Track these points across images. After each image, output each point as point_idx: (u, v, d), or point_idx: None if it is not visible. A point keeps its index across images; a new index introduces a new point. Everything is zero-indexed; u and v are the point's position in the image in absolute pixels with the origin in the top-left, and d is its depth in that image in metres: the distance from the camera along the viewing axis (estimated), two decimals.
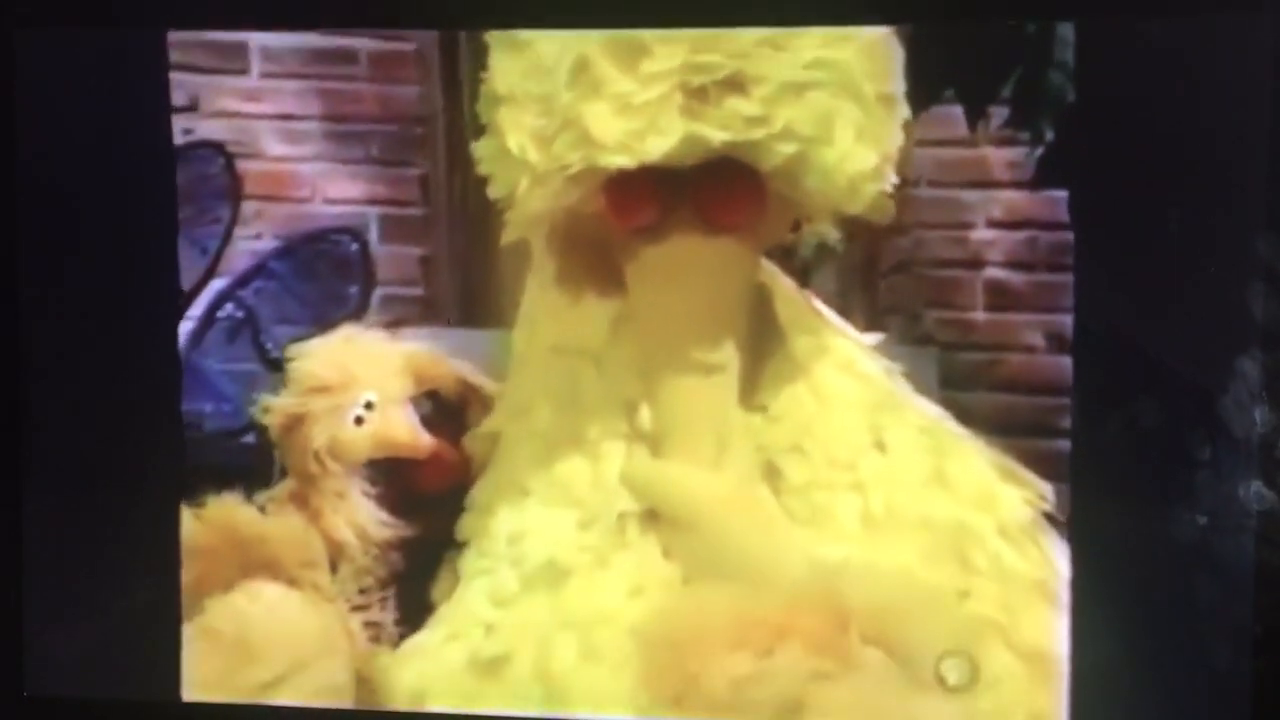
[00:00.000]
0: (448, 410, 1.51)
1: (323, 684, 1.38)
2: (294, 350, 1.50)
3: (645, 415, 1.45)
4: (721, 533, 1.43)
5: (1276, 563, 1.39)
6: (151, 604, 1.50)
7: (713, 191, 1.40)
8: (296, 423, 1.49)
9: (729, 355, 1.44)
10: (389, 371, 1.50)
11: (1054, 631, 1.41)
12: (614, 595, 1.42)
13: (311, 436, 1.49)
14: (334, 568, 1.47)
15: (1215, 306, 1.39)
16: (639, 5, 1.38)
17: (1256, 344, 1.38)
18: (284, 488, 1.50)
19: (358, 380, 1.49)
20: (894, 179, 1.41)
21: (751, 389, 1.46)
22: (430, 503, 1.51)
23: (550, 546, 1.44)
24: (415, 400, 1.50)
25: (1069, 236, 1.45)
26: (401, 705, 1.42)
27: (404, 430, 1.50)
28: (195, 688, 1.46)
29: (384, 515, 1.49)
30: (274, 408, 1.50)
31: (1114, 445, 1.41)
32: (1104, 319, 1.41)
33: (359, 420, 1.49)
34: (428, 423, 1.51)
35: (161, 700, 1.49)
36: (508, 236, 1.45)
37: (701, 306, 1.44)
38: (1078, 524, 1.42)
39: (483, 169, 1.44)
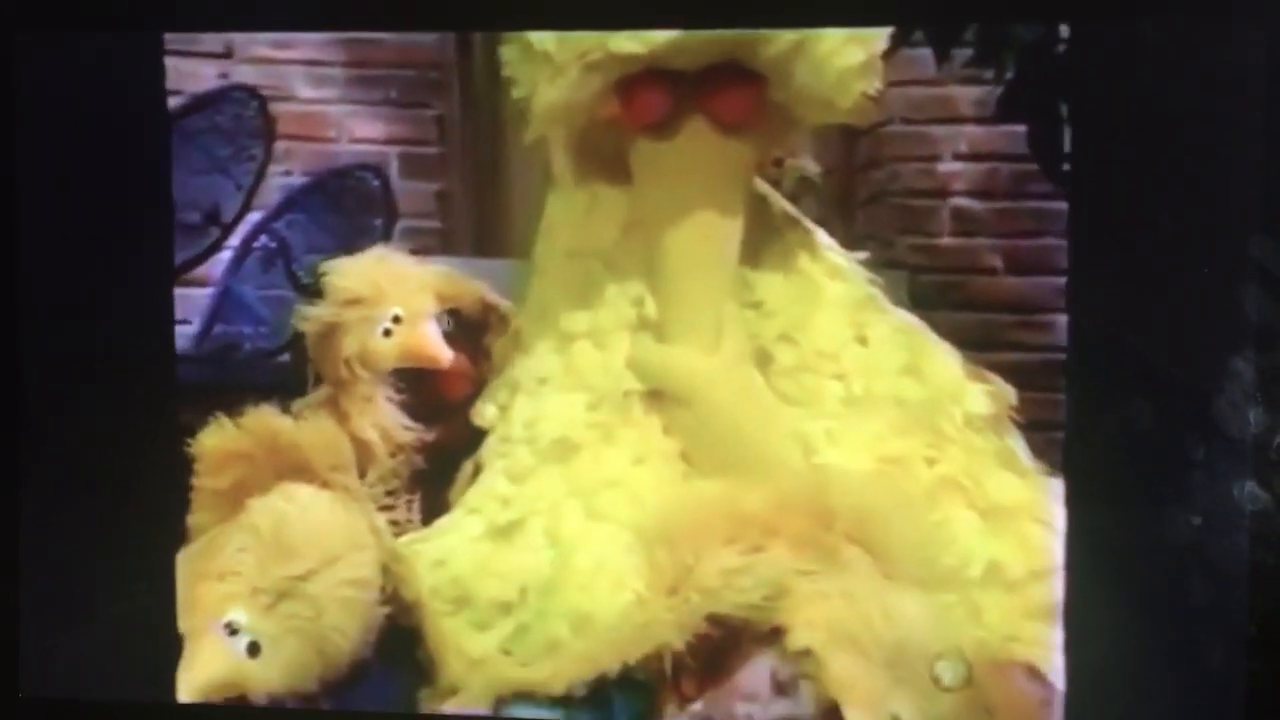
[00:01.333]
0: (468, 327, 1.53)
1: (351, 576, 1.36)
2: (330, 266, 1.52)
3: (650, 306, 1.48)
4: (716, 408, 1.45)
5: (1271, 563, 1.34)
6: (148, 606, 1.47)
7: (716, 91, 1.42)
8: (331, 332, 1.51)
9: (727, 248, 1.47)
10: (416, 289, 1.51)
11: (1012, 491, 1.45)
12: (619, 465, 1.45)
13: (343, 345, 1.51)
14: (361, 472, 1.49)
15: (1210, 307, 1.35)
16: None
17: (1251, 345, 1.34)
18: (318, 395, 1.52)
19: (387, 296, 1.51)
20: (878, 85, 1.43)
21: (747, 285, 1.49)
22: (448, 410, 1.53)
23: (562, 426, 1.47)
24: (439, 316, 1.52)
25: (1029, 168, 1.49)
26: (423, 573, 1.42)
27: (427, 343, 1.52)
28: (232, 579, 1.42)
29: (406, 420, 1.51)
30: (311, 317, 1.51)
31: (1109, 445, 1.37)
32: (1098, 320, 1.37)
33: (387, 332, 1.51)
34: (449, 337, 1.52)
35: (157, 702, 1.45)
36: (530, 134, 1.46)
37: (704, 203, 1.46)
38: (1073, 523, 1.37)
39: (508, 71, 1.45)
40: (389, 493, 1.50)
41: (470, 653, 1.38)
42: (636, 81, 1.41)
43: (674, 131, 1.44)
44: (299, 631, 1.35)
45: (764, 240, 1.51)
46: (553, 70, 1.41)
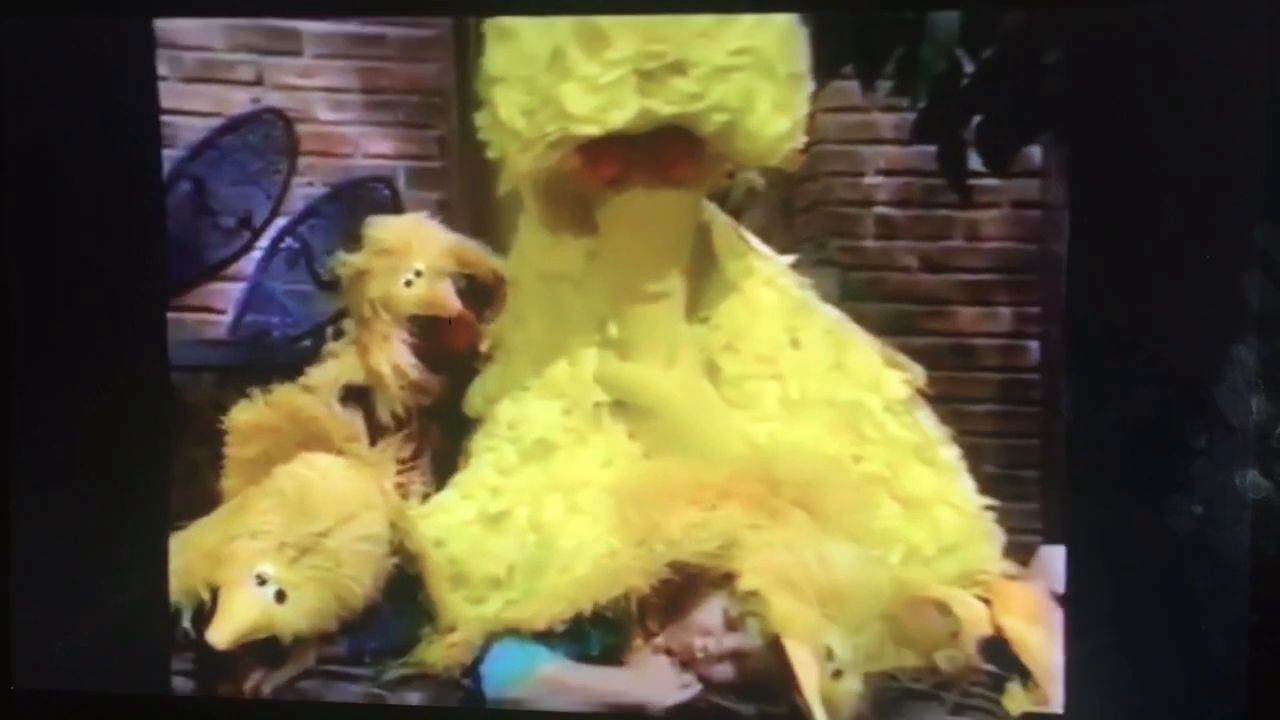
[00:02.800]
0: (479, 290, 1.54)
1: (364, 532, 1.38)
2: (371, 221, 1.54)
3: (613, 328, 1.49)
4: (674, 416, 1.47)
5: (1273, 551, 1.26)
6: (141, 598, 1.44)
7: (663, 152, 1.42)
8: (362, 276, 1.52)
9: (677, 279, 1.47)
10: (439, 250, 1.52)
11: (926, 482, 1.46)
12: (591, 465, 1.46)
13: (371, 288, 1.52)
14: (371, 437, 1.51)
15: (1212, 295, 1.27)
16: None
17: (1253, 332, 1.26)
18: (346, 339, 1.55)
19: (414, 251, 1.52)
20: (803, 139, 1.43)
21: (695, 304, 1.49)
22: (449, 361, 1.55)
23: (541, 428, 1.48)
24: (455, 277, 1.53)
25: (938, 182, 1.50)
26: (426, 550, 1.42)
27: (441, 295, 1.53)
28: (262, 537, 1.41)
29: (415, 360, 1.52)
30: (349, 262, 1.53)
31: (1109, 434, 1.30)
32: (1099, 307, 1.30)
33: (409, 283, 1.52)
34: (461, 295, 1.54)
35: (150, 694, 1.44)
36: (502, 189, 1.46)
37: (656, 242, 1.47)
38: (1073, 513, 1.33)
39: (481, 136, 1.44)
40: (398, 429, 1.52)
41: (466, 617, 1.40)
42: (595, 147, 1.41)
43: (629, 185, 1.45)
44: (320, 580, 1.36)
45: (708, 263, 1.51)
46: (521, 144, 1.41)
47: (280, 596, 1.35)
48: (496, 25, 1.42)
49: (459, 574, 1.42)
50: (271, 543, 1.38)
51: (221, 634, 1.33)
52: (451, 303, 1.53)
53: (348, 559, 1.37)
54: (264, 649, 1.37)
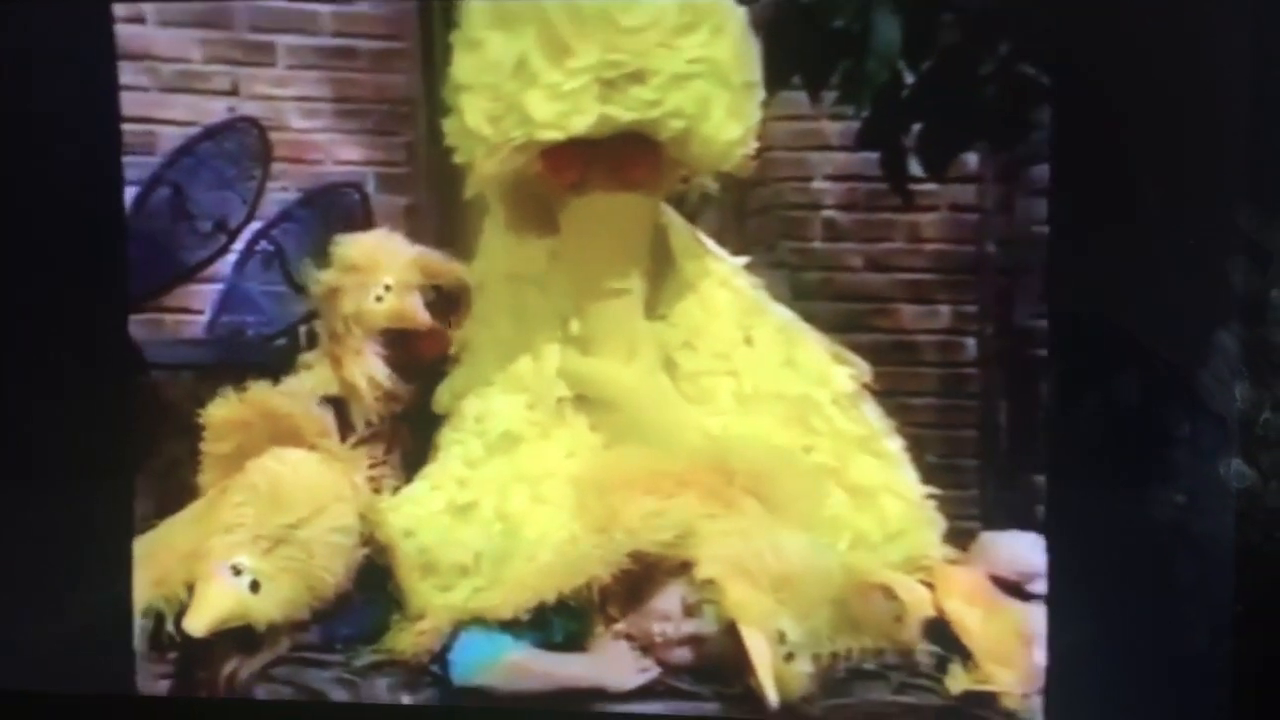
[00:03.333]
0: (446, 299, 1.52)
1: (335, 524, 1.36)
2: (339, 239, 1.51)
3: (575, 325, 1.47)
4: (634, 410, 1.46)
5: (1257, 541, 1.20)
6: (105, 599, 1.39)
7: (622, 157, 1.41)
8: (334, 292, 1.50)
9: (636, 279, 1.46)
10: (406, 264, 1.51)
11: (872, 473, 1.44)
12: (554, 457, 1.44)
13: (342, 305, 1.50)
14: (348, 421, 1.49)
15: (1195, 281, 1.21)
16: None
17: (1237, 318, 1.20)
18: (320, 349, 1.53)
19: (381, 267, 1.50)
20: (755, 145, 1.43)
21: (654, 302, 1.48)
22: (421, 370, 1.53)
23: (507, 422, 1.46)
24: (423, 289, 1.51)
25: (881, 187, 1.52)
26: (396, 541, 1.40)
27: (411, 309, 1.51)
28: (236, 529, 1.37)
29: (387, 371, 1.50)
30: (320, 279, 1.51)
31: (1090, 423, 1.23)
32: (1079, 294, 1.23)
33: (379, 298, 1.50)
34: (430, 306, 1.52)
35: (115, 694, 1.40)
36: (469, 192, 1.46)
37: (616, 243, 1.46)
38: (1053, 504, 1.28)
39: (449, 142, 1.43)
40: (373, 438, 1.50)
41: (434, 605, 1.38)
42: (558, 152, 1.40)
43: (590, 188, 1.44)
44: (293, 570, 1.34)
45: (666, 263, 1.50)
46: (487, 148, 1.40)
47: (255, 586, 1.33)
48: (464, 35, 1.40)
49: (428, 562, 1.39)
50: (246, 535, 1.35)
51: (198, 623, 1.32)
52: (421, 315, 1.51)
53: (319, 550, 1.35)
54: (239, 637, 1.34)
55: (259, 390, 1.45)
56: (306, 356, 1.52)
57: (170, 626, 1.35)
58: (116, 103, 1.42)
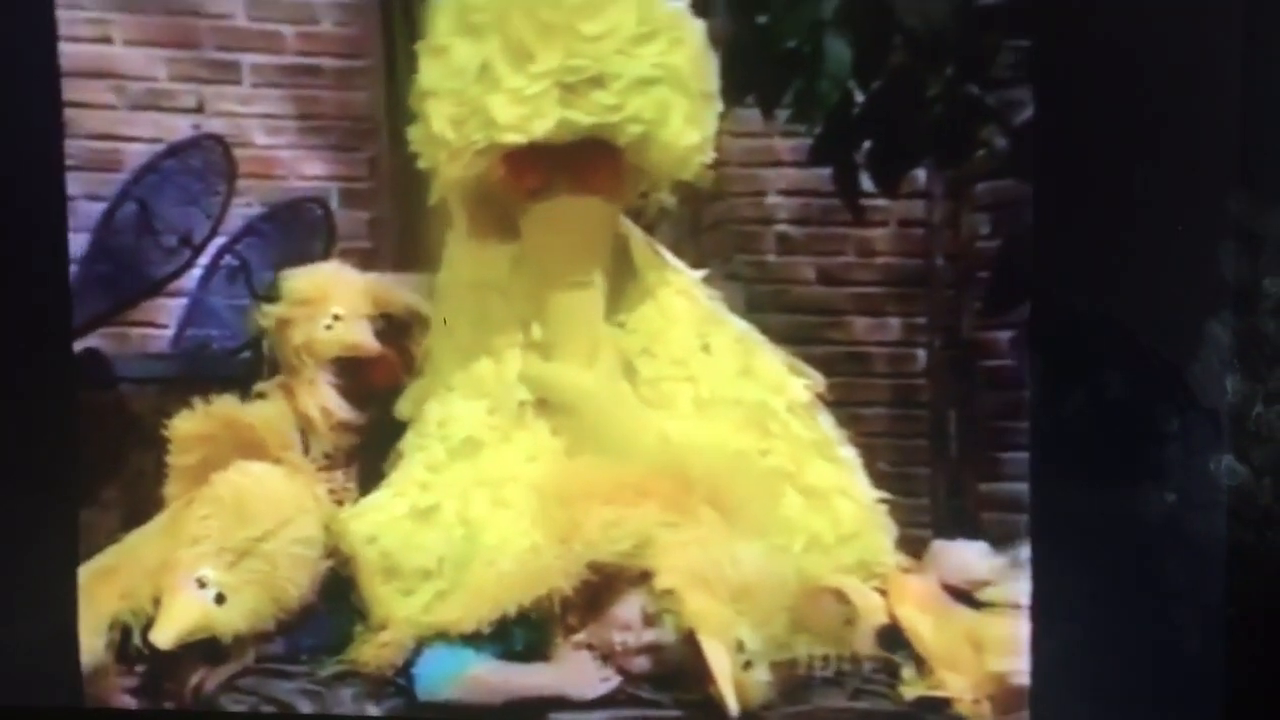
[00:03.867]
0: (396, 327, 1.53)
1: (299, 536, 1.38)
2: (286, 273, 1.52)
3: (536, 331, 1.48)
4: (594, 414, 1.47)
5: (1250, 541, 1.16)
6: (50, 613, 1.39)
7: (583, 162, 1.43)
8: (284, 325, 1.51)
9: (597, 285, 1.47)
10: (354, 294, 1.52)
11: (826, 476, 1.46)
12: (515, 461, 1.45)
13: (293, 336, 1.51)
14: (305, 449, 1.49)
15: (1183, 268, 1.17)
16: None
17: (1228, 307, 1.15)
18: (275, 380, 1.53)
19: (330, 298, 1.51)
20: (713, 154, 1.45)
21: (614, 309, 1.49)
22: (375, 396, 1.54)
23: (468, 427, 1.47)
24: (372, 318, 1.52)
25: (834, 202, 1.52)
26: (358, 550, 1.41)
27: (361, 338, 1.52)
28: (202, 542, 1.39)
29: (341, 401, 1.51)
30: (270, 313, 1.51)
31: (1076, 419, 1.20)
32: (1064, 284, 1.19)
33: (329, 327, 1.51)
34: (380, 335, 1.53)
35: (62, 706, 1.39)
36: (433, 198, 1.46)
37: (577, 249, 1.48)
38: (1039, 503, 1.23)
39: (414, 148, 1.44)
40: (330, 466, 1.51)
41: (397, 613, 1.39)
42: (520, 157, 1.42)
43: (552, 194, 1.45)
44: (258, 583, 1.35)
45: (626, 271, 1.51)
46: (450, 153, 1.42)
47: (220, 599, 1.34)
48: (430, 43, 1.42)
49: (390, 566, 1.41)
50: (211, 547, 1.37)
51: (165, 635, 1.33)
52: (370, 343, 1.52)
53: (284, 562, 1.36)
54: (205, 649, 1.35)
55: (223, 404, 1.46)
56: (262, 387, 1.52)
57: (137, 639, 1.35)
58: (60, 119, 1.42)
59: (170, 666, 1.36)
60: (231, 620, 1.36)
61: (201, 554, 1.36)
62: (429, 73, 1.43)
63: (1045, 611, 1.24)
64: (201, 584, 1.35)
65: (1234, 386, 1.16)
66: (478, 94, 1.40)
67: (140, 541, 1.43)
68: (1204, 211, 1.15)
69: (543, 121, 1.39)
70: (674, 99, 1.41)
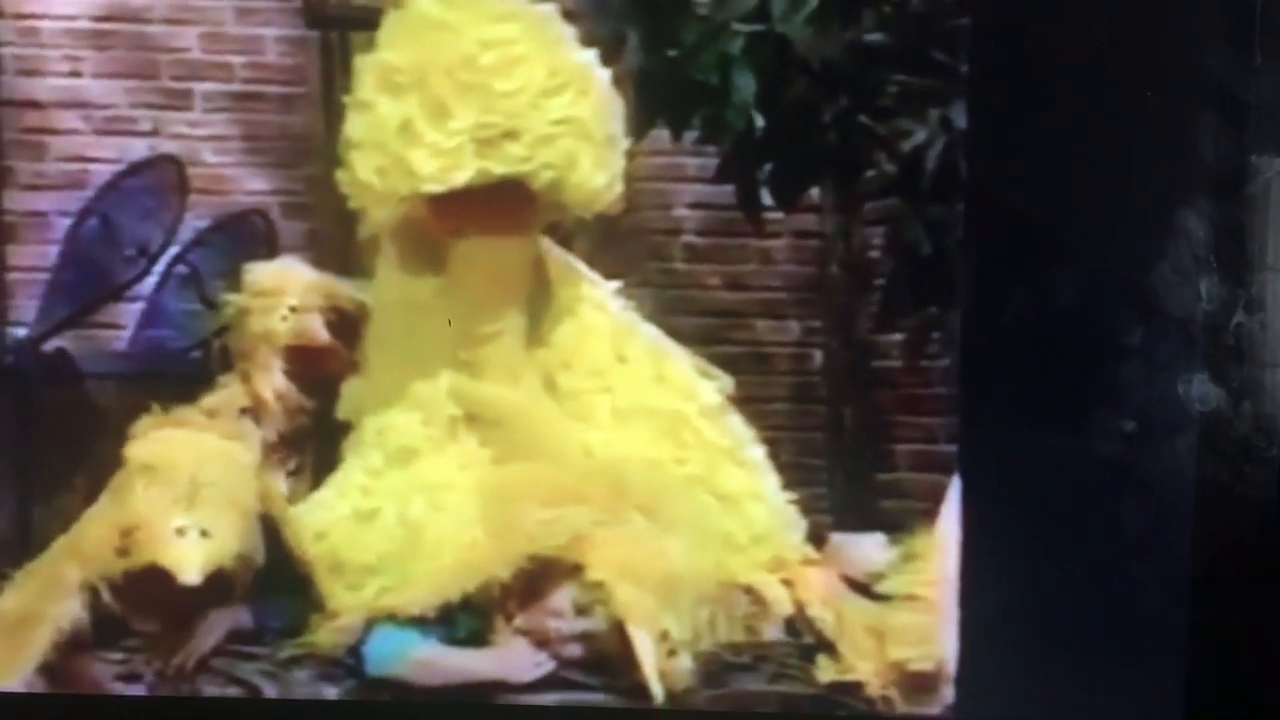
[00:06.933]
0: (345, 320, 1.56)
1: (230, 464, 1.45)
2: (250, 267, 1.56)
3: (464, 351, 1.51)
4: (520, 428, 1.49)
5: (1223, 479, 0.88)
6: None
7: (500, 205, 1.46)
8: (244, 314, 1.54)
9: (515, 316, 1.51)
10: (307, 288, 1.54)
11: (737, 481, 1.50)
12: (449, 469, 1.48)
13: (252, 325, 1.54)
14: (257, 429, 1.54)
15: (1151, 144, 0.90)
16: None
17: (1204, 193, 0.88)
18: (235, 369, 1.56)
19: (286, 291, 1.54)
20: (620, 189, 1.49)
21: (534, 333, 1.53)
22: (324, 383, 1.57)
23: (403, 437, 1.49)
24: (324, 310, 1.55)
25: (736, 215, 1.55)
26: (308, 543, 1.44)
27: (311, 328, 1.55)
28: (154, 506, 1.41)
29: (293, 386, 1.55)
30: (232, 302, 1.55)
31: (1012, 333, 0.95)
32: (1001, 165, 0.93)
33: (283, 318, 1.54)
34: (331, 327, 1.56)
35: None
36: (362, 234, 1.51)
37: (495, 285, 1.51)
38: (967, 439, 1.01)
39: (343, 191, 1.48)
40: (284, 447, 1.55)
41: (347, 604, 1.42)
42: (441, 201, 1.45)
43: (470, 233, 1.48)
44: (220, 504, 1.40)
45: (544, 293, 1.54)
46: (377, 198, 1.46)
47: (204, 534, 1.38)
48: (355, 98, 1.46)
49: (337, 563, 1.44)
50: (166, 503, 1.40)
51: (189, 573, 1.37)
52: (320, 334, 1.55)
53: (232, 484, 1.43)
54: (214, 589, 1.39)
55: (181, 410, 1.49)
56: (222, 378, 1.55)
57: (106, 596, 1.39)
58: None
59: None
60: (227, 546, 1.39)
61: (162, 511, 1.40)
62: (354, 125, 1.47)
63: (974, 565, 1.02)
64: (181, 532, 1.38)
65: (1209, 291, 0.91)
66: (400, 147, 1.44)
67: (96, 514, 1.45)
68: (1180, 74, 0.89)
69: (461, 173, 1.43)
70: (581, 147, 1.46)
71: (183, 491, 1.40)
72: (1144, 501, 0.92)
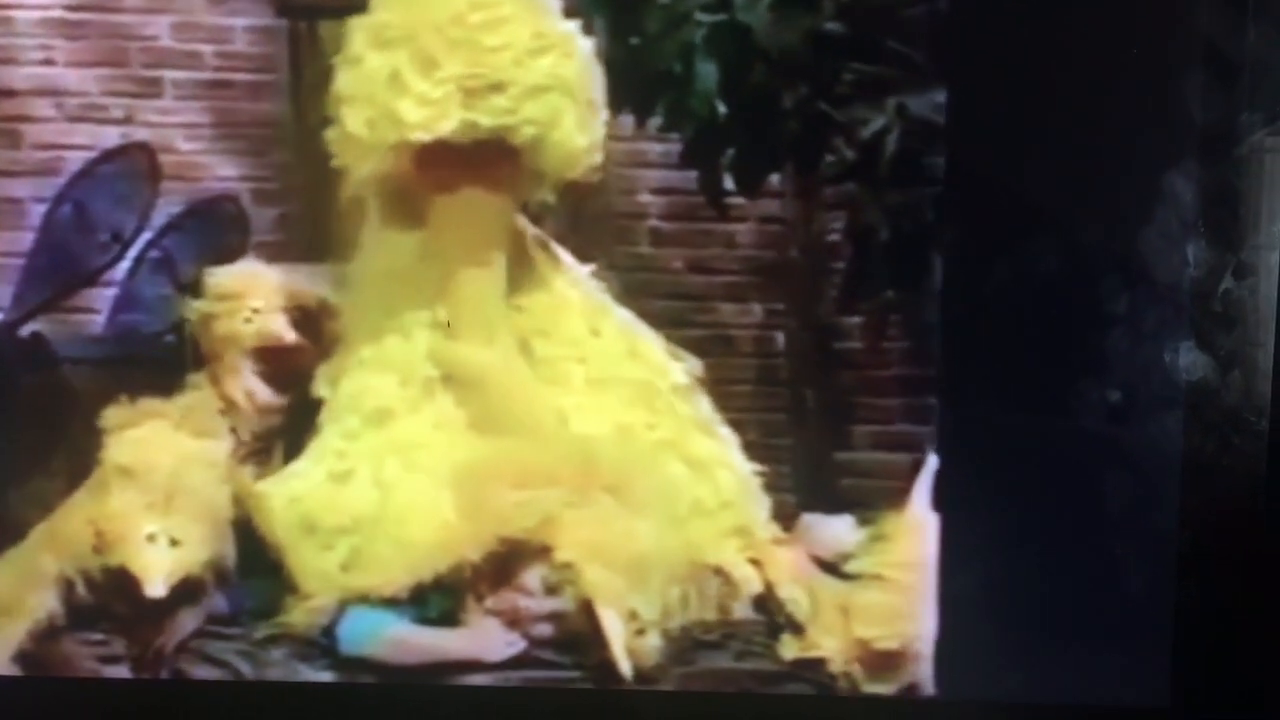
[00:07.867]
0: (310, 318, 1.56)
1: (205, 462, 1.46)
2: (211, 271, 1.56)
3: (441, 312, 1.53)
4: (495, 389, 1.51)
5: (1210, 451, 0.86)
6: None
7: (484, 161, 1.48)
8: (208, 320, 1.54)
9: (497, 265, 1.53)
10: (271, 289, 1.54)
11: (706, 448, 1.52)
12: (424, 429, 1.49)
13: (217, 329, 1.55)
14: (230, 430, 1.54)
15: (1136, 102, 0.86)
16: None
17: (1192, 153, 0.84)
18: (203, 372, 1.56)
19: (249, 293, 1.54)
20: (600, 156, 1.51)
21: (512, 293, 1.55)
22: (292, 380, 1.57)
23: (380, 398, 1.51)
24: (288, 310, 1.55)
25: (699, 200, 1.54)
26: (281, 508, 1.46)
27: (276, 328, 1.55)
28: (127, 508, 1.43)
29: (262, 385, 1.55)
30: (196, 308, 1.55)
31: (995, 301, 0.92)
32: (983, 122, 0.89)
33: (248, 320, 1.55)
34: (296, 325, 1.56)
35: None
36: (347, 192, 1.51)
37: (477, 238, 1.53)
38: (947, 412, 0.99)
39: (331, 148, 1.50)
40: (258, 447, 1.55)
41: (319, 568, 1.44)
42: (427, 155, 1.47)
43: (455, 189, 1.50)
44: (192, 513, 1.42)
45: (523, 261, 1.56)
46: (364, 151, 1.48)
47: (174, 543, 1.39)
48: (346, 55, 1.48)
49: (310, 524, 1.45)
50: (139, 506, 1.41)
51: (154, 587, 1.38)
52: (285, 333, 1.55)
53: (204, 488, 1.44)
54: (184, 593, 1.39)
55: (151, 401, 1.50)
56: (192, 378, 1.56)
57: (81, 589, 1.40)
58: None
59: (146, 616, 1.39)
60: (195, 555, 1.40)
61: (135, 516, 1.41)
62: (344, 81, 1.48)
63: (953, 541, 1.00)
64: (151, 539, 1.40)
65: (1197, 255, 0.87)
66: (388, 98, 1.45)
67: (75, 506, 1.46)
68: (1167, 30, 0.85)
69: (447, 122, 1.44)
70: (564, 105, 1.47)
71: (158, 498, 1.41)
72: (1129, 475, 0.89)
